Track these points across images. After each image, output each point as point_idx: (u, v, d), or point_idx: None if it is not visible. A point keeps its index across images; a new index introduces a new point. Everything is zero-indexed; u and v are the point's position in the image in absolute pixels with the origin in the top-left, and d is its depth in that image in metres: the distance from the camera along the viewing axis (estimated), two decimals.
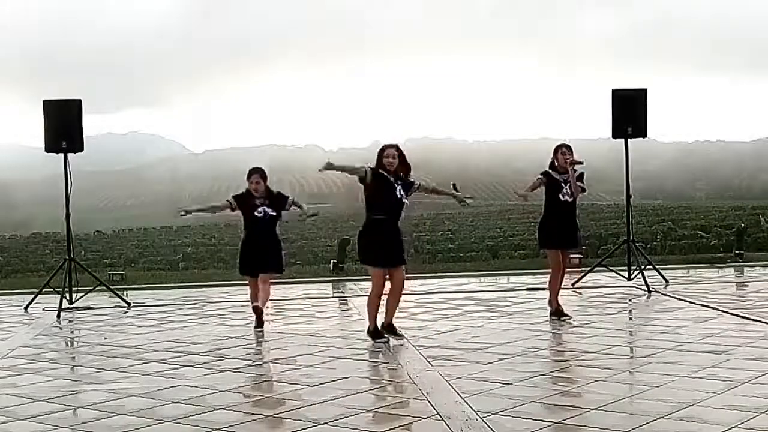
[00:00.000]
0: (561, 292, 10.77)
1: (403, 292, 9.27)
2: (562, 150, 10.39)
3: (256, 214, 10.21)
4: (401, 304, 9.50)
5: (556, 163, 10.43)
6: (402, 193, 8.97)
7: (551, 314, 10.49)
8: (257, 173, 10.30)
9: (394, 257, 8.97)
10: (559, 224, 10.41)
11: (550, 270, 10.71)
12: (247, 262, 10.44)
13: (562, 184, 10.33)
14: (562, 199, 10.35)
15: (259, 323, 10.27)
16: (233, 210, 10.48)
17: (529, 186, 10.68)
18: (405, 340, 9.11)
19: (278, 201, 10.36)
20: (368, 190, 8.95)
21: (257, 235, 10.31)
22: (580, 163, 10.36)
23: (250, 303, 10.62)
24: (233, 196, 10.53)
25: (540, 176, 10.44)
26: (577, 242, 10.73)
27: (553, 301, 10.56)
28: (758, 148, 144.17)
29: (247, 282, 10.90)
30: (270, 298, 10.53)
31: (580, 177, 10.41)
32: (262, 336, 9.97)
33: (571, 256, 16.54)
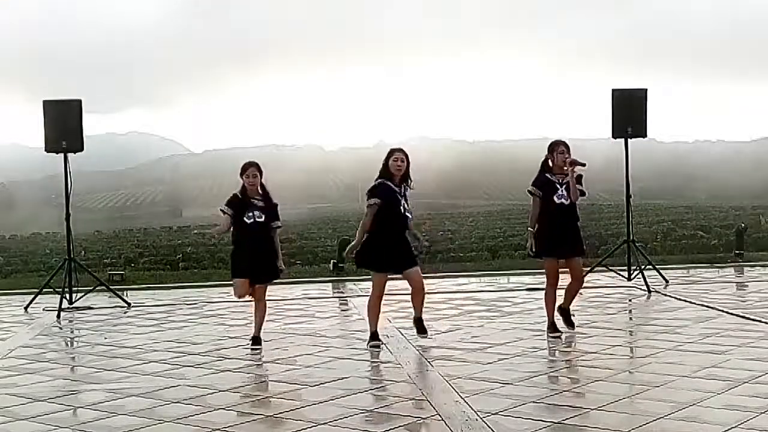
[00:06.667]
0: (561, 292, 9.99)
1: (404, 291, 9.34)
2: (560, 149, 9.34)
3: (245, 219, 9.10)
4: (403, 305, 9.50)
5: (551, 163, 9.40)
6: (406, 206, 8.98)
7: (551, 328, 9.46)
8: (254, 166, 9.24)
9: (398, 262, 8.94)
10: (556, 230, 9.29)
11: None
12: (240, 266, 9.29)
13: (557, 185, 9.30)
14: (557, 201, 9.28)
15: (256, 342, 9.40)
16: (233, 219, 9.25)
17: (532, 214, 9.46)
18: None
19: (271, 208, 9.29)
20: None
21: (248, 243, 9.18)
22: (582, 164, 9.31)
23: (251, 306, 9.63)
24: (228, 205, 9.25)
25: (531, 191, 9.39)
26: (578, 249, 9.46)
27: (551, 318, 9.51)
28: (758, 148, 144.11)
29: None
30: (269, 298, 10.46)
31: (579, 179, 9.35)
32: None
33: None
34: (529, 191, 9.42)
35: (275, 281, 9.64)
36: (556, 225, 9.30)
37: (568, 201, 9.31)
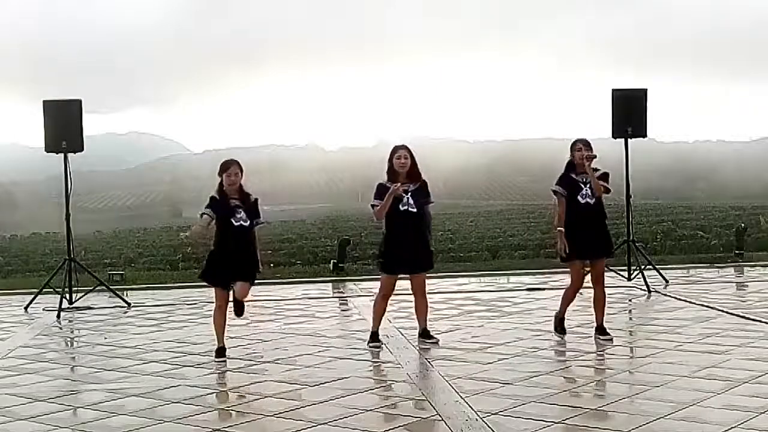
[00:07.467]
0: (576, 298, 9.50)
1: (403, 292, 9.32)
2: (578, 146, 9.07)
3: (233, 221, 8.54)
4: (404, 305, 9.49)
5: (574, 163, 9.13)
6: (411, 202, 8.84)
7: (558, 328, 9.44)
8: (235, 165, 8.64)
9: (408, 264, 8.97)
10: (583, 231, 9.00)
11: (568, 279, 9.43)
12: (218, 270, 8.79)
13: (581, 185, 9.03)
14: (582, 201, 9.01)
15: (239, 310, 9.04)
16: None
17: (557, 213, 9.22)
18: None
19: (251, 208, 8.70)
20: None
21: (233, 247, 8.60)
22: (594, 156, 9.05)
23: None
24: (208, 206, 8.64)
25: (556, 191, 9.14)
26: (606, 250, 9.32)
27: (561, 313, 9.43)
28: (758, 148, 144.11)
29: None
30: (270, 298, 10.47)
31: (605, 177, 9.10)
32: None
33: None
34: (553, 191, 9.16)
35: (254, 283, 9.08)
36: (582, 226, 9.03)
37: (593, 200, 9.05)
